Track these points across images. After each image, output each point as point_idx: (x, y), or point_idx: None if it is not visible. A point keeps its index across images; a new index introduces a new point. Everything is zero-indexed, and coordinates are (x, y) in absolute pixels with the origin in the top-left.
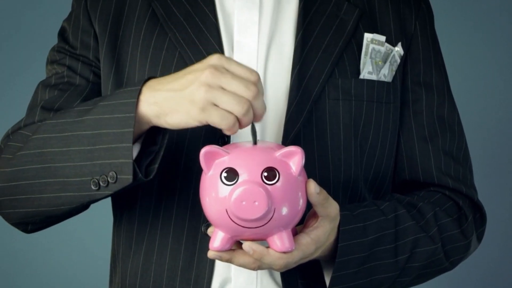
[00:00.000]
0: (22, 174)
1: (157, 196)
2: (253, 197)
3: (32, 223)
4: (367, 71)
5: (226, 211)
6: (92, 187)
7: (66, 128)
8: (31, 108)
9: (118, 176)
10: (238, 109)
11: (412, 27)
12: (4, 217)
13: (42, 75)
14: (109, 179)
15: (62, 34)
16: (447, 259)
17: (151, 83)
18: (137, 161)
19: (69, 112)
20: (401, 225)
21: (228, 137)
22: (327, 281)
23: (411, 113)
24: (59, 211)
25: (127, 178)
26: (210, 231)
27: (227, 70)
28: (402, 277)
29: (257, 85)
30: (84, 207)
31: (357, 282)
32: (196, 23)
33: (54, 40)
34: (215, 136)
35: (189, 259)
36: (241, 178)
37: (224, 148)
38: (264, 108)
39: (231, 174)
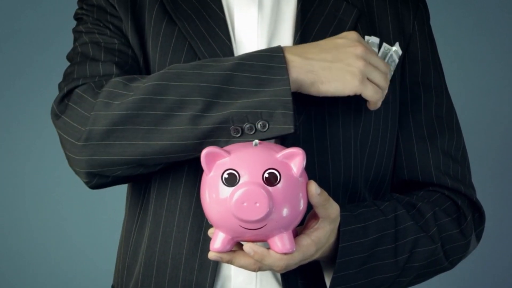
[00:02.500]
0: (135, 119)
1: (162, 185)
2: (254, 198)
3: (110, 175)
4: None
5: (227, 213)
6: (232, 133)
7: (193, 79)
8: (83, 66)
9: (270, 126)
10: (384, 84)
11: (410, 27)
12: (81, 164)
13: (42, 75)
14: (258, 127)
15: (88, 14)
16: (447, 258)
17: (296, 51)
18: None
19: (187, 65)
20: (401, 225)
21: None
22: (327, 282)
23: (409, 113)
24: (166, 159)
25: (283, 127)
26: (210, 232)
27: (368, 47)
28: (402, 277)
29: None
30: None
31: (358, 283)
32: (203, 17)
33: (54, 40)
34: None
35: (193, 248)
36: (242, 180)
37: (225, 149)
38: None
39: (232, 176)
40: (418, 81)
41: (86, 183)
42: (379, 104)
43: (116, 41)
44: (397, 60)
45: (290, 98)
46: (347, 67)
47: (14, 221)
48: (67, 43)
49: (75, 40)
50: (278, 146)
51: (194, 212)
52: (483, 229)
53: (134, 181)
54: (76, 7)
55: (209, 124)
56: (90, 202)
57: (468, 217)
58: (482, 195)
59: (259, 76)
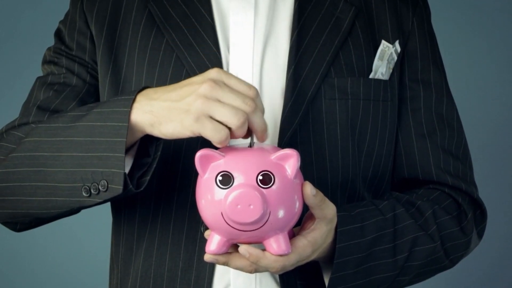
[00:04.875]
0: (13, 175)
1: (156, 197)
2: (248, 200)
3: (21, 223)
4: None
5: (222, 215)
6: (83, 193)
7: (58, 133)
8: (26, 107)
9: (109, 185)
10: (233, 121)
11: (409, 24)
12: None
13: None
14: (100, 187)
15: (58, 34)
16: (447, 257)
17: (147, 92)
18: (130, 171)
19: (63, 116)
20: (399, 224)
21: None
22: (326, 282)
23: (409, 111)
24: (48, 214)
25: (117, 188)
26: (206, 234)
27: (226, 84)
28: (402, 276)
29: (255, 100)
30: (74, 211)
31: (356, 283)
32: (192, 24)
33: (53, 40)
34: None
35: (189, 260)
36: (236, 182)
37: (219, 151)
38: (264, 124)
39: (227, 178)
40: (417, 79)
41: (13, 230)
42: (226, 142)
43: (64, 71)
44: (396, 58)
45: (122, 155)
46: (184, 106)
47: None
48: None
49: (42, 62)
50: (274, 148)
51: (189, 224)
52: (484, 226)
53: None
54: None
55: (62, 182)
56: None
57: (469, 215)
58: (483, 194)
59: (101, 124)
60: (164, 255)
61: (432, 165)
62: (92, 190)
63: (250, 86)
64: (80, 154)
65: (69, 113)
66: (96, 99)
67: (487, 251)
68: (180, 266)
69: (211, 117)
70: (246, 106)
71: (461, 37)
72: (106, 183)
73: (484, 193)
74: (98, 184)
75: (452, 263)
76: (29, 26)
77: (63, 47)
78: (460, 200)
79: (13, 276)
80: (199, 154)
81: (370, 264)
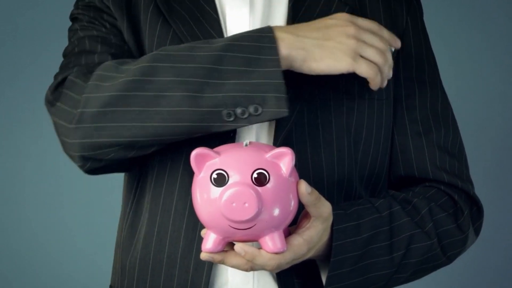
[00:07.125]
0: (125, 100)
1: (158, 185)
2: (243, 198)
3: (103, 159)
4: None
5: (217, 213)
6: (224, 118)
7: (184, 60)
8: (77, 56)
9: (263, 109)
10: (380, 60)
11: (404, 23)
12: (74, 147)
13: (42, 75)
14: (251, 111)
15: (88, 6)
16: (444, 254)
17: (287, 29)
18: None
19: (178, 46)
20: (396, 221)
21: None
22: (324, 280)
23: (404, 109)
24: (158, 141)
25: (277, 111)
26: (202, 232)
27: (361, 26)
28: (399, 274)
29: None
30: (183, 138)
31: (353, 280)
32: (197, 18)
33: (53, 40)
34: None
35: (189, 246)
36: (231, 180)
37: (215, 150)
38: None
39: (221, 176)
40: (413, 77)
41: (80, 167)
42: (378, 81)
43: (112, 36)
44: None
45: (282, 81)
46: (338, 45)
47: (15, 220)
48: (67, 43)
49: (70, 37)
50: (268, 146)
51: (189, 211)
52: (481, 223)
53: (128, 170)
54: None
55: (202, 106)
56: (90, 202)
57: (465, 212)
58: (482, 193)
59: (250, 56)
60: (163, 241)
61: (428, 163)
62: (238, 115)
63: (377, 25)
64: (220, 81)
65: (185, 45)
66: None
67: (484, 249)
68: (180, 253)
69: (361, 56)
70: (384, 45)
71: (462, 36)
72: (259, 107)
73: (482, 191)
74: (247, 108)
75: (449, 260)
76: (29, 26)
77: (92, 14)
78: (456, 197)
79: (13, 277)
80: (194, 153)
81: (366, 262)
